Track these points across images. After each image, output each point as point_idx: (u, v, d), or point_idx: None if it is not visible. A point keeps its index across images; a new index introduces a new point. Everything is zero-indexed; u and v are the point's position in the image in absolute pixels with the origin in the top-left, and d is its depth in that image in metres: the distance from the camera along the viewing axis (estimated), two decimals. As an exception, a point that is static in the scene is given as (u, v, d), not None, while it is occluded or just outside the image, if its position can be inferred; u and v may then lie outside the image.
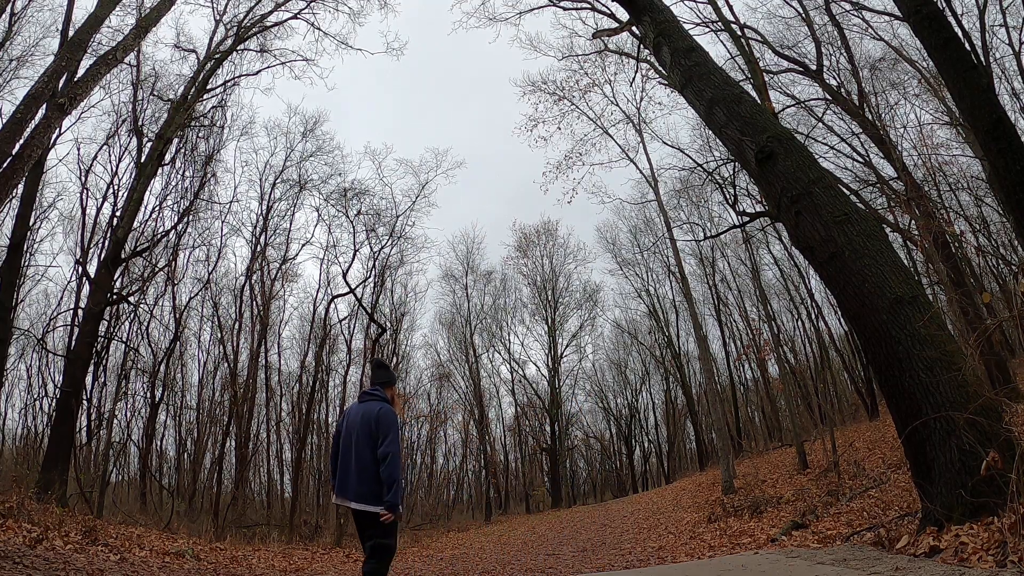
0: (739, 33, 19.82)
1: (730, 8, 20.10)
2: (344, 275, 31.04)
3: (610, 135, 29.61)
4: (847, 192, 15.89)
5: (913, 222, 18.34)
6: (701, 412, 43.78)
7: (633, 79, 26.98)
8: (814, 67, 21.75)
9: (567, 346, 49.22)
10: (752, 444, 36.54)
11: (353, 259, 32.60)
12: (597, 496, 51.18)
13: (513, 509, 46.29)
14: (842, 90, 22.09)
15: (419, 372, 47.00)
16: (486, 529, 31.32)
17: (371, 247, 33.20)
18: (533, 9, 21.15)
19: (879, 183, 21.45)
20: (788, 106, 22.63)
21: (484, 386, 47.76)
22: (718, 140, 10.84)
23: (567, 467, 50.24)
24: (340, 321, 35.23)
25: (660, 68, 14.89)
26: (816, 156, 10.51)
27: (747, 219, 23.17)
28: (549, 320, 48.80)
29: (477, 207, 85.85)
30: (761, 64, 20.22)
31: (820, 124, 23.26)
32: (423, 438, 47.12)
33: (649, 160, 29.08)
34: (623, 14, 13.80)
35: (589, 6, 20.78)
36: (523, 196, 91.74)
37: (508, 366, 49.55)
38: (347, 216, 32.50)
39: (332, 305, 33.45)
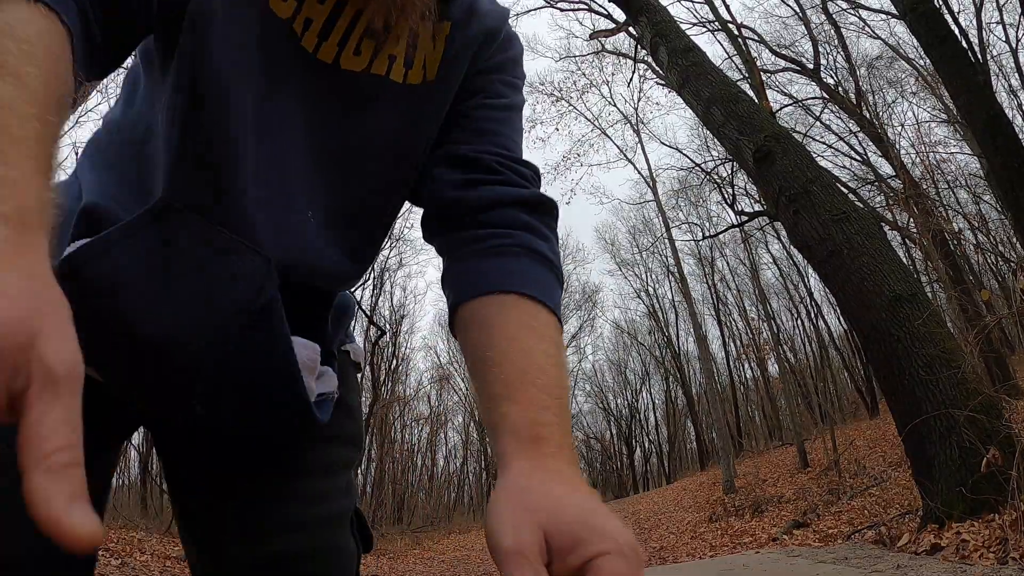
0: (736, 33, 19.85)
1: (727, 8, 20.16)
2: (343, 278, 31.00)
3: (608, 135, 29.73)
4: (845, 190, 15.91)
5: (911, 220, 18.36)
6: (701, 412, 43.77)
7: (630, 80, 26.91)
8: (811, 66, 21.80)
9: (567, 347, 49.08)
10: (753, 443, 36.56)
11: (352, 261, 32.60)
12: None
13: (514, 511, 46.09)
14: (839, 89, 22.14)
15: (419, 374, 47.03)
16: (487, 531, 31.32)
17: (370, 249, 33.19)
18: (530, 11, 21.19)
19: (877, 181, 21.50)
20: (785, 105, 22.67)
21: (485, 387, 47.52)
22: (716, 140, 10.86)
23: (568, 468, 50.16)
24: (340, 324, 35.15)
25: (657, 68, 14.95)
26: (814, 155, 10.54)
27: (746, 219, 23.20)
28: (548, 321, 48.62)
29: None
30: (758, 63, 20.26)
31: (818, 123, 23.32)
32: (423, 440, 47.19)
33: (647, 160, 29.07)
34: (620, 15, 13.83)
35: (586, 7, 20.80)
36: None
37: (508, 368, 49.26)
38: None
39: (331, 308, 33.43)
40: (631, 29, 14.48)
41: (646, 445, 52.85)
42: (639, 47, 16.99)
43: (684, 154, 28.80)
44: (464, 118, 1.08)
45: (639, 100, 28.47)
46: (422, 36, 1.00)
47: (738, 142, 8.73)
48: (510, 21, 1.16)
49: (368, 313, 33.14)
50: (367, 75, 0.99)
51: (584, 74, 27.88)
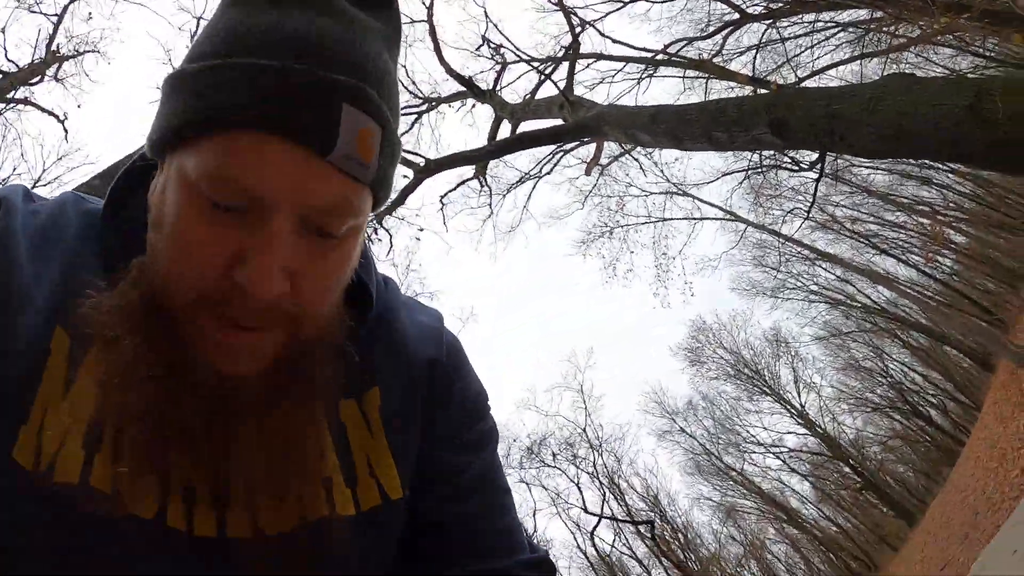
0: (669, 55, 20.29)
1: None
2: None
3: (674, 213, 29.40)
4: (856, 82, 15.68)
5: (935, 24, 17.87)
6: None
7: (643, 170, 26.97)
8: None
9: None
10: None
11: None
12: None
13: None
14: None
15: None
16: None
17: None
18: (519, 185, 22.17)
19: (871, 21, 21.00)
20: (752, 58, 22.43)
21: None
22: (737, 156, 11.02)
23: None
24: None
25: (648, 151, 15.18)
26: (815, 78, 10.58)
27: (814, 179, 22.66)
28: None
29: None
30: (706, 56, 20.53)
31: (795, 44, 23.06)
32: None
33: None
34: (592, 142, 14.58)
35: (561, 152, 21.35)
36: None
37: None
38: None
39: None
40: (605, 140, 15.18)
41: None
42: (623, 146, 17.46)
43: (739, 218, 27.20)
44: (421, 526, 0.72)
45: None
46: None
47: (753, 138, 8.97)
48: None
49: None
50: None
51: (606, 196, 28.24)
